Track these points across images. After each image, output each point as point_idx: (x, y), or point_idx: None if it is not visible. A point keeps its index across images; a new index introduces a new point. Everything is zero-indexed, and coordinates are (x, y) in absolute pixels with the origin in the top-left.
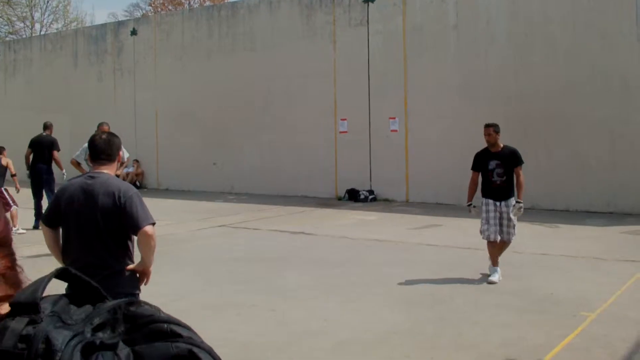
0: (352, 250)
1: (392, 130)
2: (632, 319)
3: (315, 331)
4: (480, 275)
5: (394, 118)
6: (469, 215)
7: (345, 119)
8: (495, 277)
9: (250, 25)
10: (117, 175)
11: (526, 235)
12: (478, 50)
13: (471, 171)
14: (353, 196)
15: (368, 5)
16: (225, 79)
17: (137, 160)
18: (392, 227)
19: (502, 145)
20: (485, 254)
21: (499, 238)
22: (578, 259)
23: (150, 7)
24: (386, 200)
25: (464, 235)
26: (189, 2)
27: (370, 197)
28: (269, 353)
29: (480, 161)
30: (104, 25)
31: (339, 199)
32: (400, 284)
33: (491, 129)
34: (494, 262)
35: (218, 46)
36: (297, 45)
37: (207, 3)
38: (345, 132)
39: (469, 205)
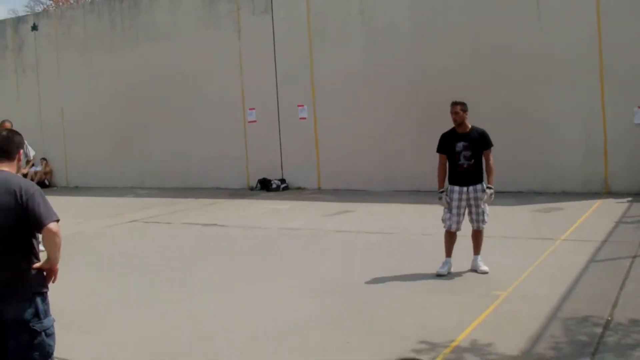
0: (266, 240)
1: (301, 118)
2: (542, 295)
3: (229, 325)
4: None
5: (303, 105)
6: (439, 202)
7: (253, 109)
8: (444, 269)
9: (152, 15)
10: (25, 175)
11: (437, 217)
12: (382, 36)
13: (437, 154)
14: (265, 186)
15: None
16: (130, 72)
17: (44, 159)
18: (304, 215)
19: (470, 126)
20: (395, 237)
21: (460, 228)
22: (489, 239)
23: (51, 2)
24: (298, 188)
25: (375, 221)
26: None
27: (283, 185)
28: (182, 349)
29: (447, 143)
30: (2, 22)
31: (251, 189)
32: (314, 272)
33: (458, 107)
34: (448, 253)
35: (121, 38)
36: (202, 35)
37: None
38: (254, 121)
39: (441, 192)
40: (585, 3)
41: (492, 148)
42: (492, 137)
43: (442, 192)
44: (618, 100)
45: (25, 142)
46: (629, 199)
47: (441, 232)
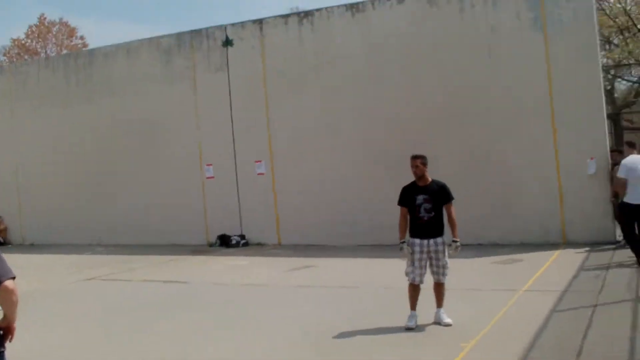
0: (226, 296)
1: (258, 174)
2: (507, 344)
3: None
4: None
5: (260, 161)
6: (400, 254)
7: (210, 165)
8: (412, 323)
9: (108, 71)
10: None
11: (400, 270)
12: (339, 90)
13: (399, 207)
14: (225, 242)
15: (227, 49)
16: (85, 127)
17: None
18: (265, 270)
19: (430, 179)
20: (358, 291)
21: (423, 281)
22: (452, 291)
23: (4, 58)
24: (258, 244)
25: (338, 275)
26: (46, 52)
27: (242, 242)
28: None
29: (407, 195)
30: None
31: (211, 245)
32: (276, 327)
33: (418, 161)
34: (412, 306)
35: (77, 94)
36: (158, 91)
37: (65, 52)
38: (212, 177)
39: (402, 243)
40: (536, 53)
41: (454, 201)
42: (453, 188)
43: (403, 242)
44: (571, 150)
45: None
46: (587, 248)
47: (404, 285)
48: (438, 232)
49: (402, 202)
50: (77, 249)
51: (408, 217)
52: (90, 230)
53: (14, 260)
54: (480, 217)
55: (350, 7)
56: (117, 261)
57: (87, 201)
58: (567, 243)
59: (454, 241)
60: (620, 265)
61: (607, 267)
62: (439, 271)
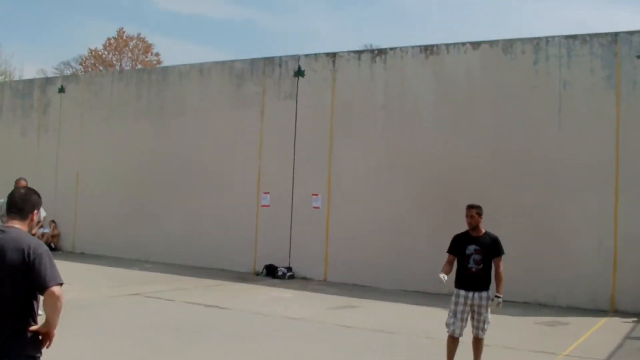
0: (266, 328)
1: (314, 207)
2: None
3: None
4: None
5: (317, 195)
6: (437, 282)
7: (268, 193)
8: None
9: (180, 90)
10: (33, 235)
11: (442, 320)
12: (404, 131)
13: (447, 254)
14: (271, 272)
15: (298, 79)
16: (151, 144)
17: (53, 221)
18: (308, 306)
19: (483, 231)
20: (398, 337)
21: (462, 334)
22: (490, 347)
23: (80, 67)
24: (304, 278)
25: (379, 318)
26: (121, 65)
27: (288, 274)
28: None
29: (458, 244)
30: (31, 81)
31: (257, 274)
32: None
33: (474, 211)
34: (449, 358)
35: (146, 109)
36: (226, 114)
37: (139, 67)
38: (268, 205)
39: (441, 274)
40: (606, 112)
41: (504, 256)
42: (506, 243)
43: (442, 274)
44: (633, 215)
45: None
46: (635, 319)
47: (444, 335)
48: (484, 285)
49: (451, 249)
50: (125, 263)
51: (454, 265)
52: (141, 245)
53: (62, 267)
54: (530, 275)
55: (425, 48)
56: (164, 280)
57: (140, 217)
58: (616, 311)
59: (496, 296)
60: None
61: None
62: (480, 326)
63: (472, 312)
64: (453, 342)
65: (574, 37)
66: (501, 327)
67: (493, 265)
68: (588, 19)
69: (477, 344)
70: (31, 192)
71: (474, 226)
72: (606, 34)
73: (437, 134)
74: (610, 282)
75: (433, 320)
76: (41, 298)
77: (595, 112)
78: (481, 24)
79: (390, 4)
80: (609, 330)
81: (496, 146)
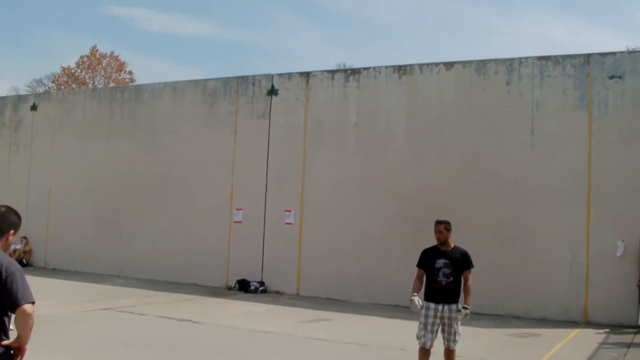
0: (239, 342)
1: (287, 223)
2: None
3: None
4: None
5: (289, 211)
6: (410, 306)
7: (240, 209)
8: None
9: (152, 109)
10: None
11: (414, 332)
12: (377, 149)
13: (416, 268)
14: (243, 287)
15: (271, 98)
16: (123, 161)
17: (25, 237)
18: (280, 319)
19: (452, 245)
20: (370, 350)
21: (433, 345)
22: (463, 358)
23: (53, 84)
24: (277, 292)
25: (352, 331)
26: (94, 83)
27: (261, 288)
28: None
29: (427, 258)
30: (3, 98)
31: (229, 288)
32: None
33: (442, 226)
34: None
35: (119, 128)
36: (198, 132)
37: (112, 85)
38: (240, 222)
39: (413, 295)
40: (578, 131)
41: (473, 270)
42: (477, 258)
43: (414, 295)
44: (604, 231)
45: None
46: (607, 330)
47: (415, 347)
48: (454, 298)
49: (420, 264)
50: (98, 279)
51: (423, 280)
52: (113, 261)
53: (34, 282)
54: (502, 288)
55: (398, 68)
56: (136, 294)
57: (112, 233)
58: (588, 323)
59: (464, 307)
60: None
61: (626, 350)
62: (451, 337)
63: (443, 324)
64: (424, 354)
65: (547, 58)
66: (472, 339)
67: (462, 278)
68: (564, 40)
69: (449, 355)
70: (11, 211)
71: (443, 241)
72: (579, 55)
73: (409, 152)
74: (583, 295)
75: (405, 333)
76: (12, 315)
77: (567, 132)
78: (460, 43)
79: (369, 22)
80: (582, 340)
81: (468, 164)
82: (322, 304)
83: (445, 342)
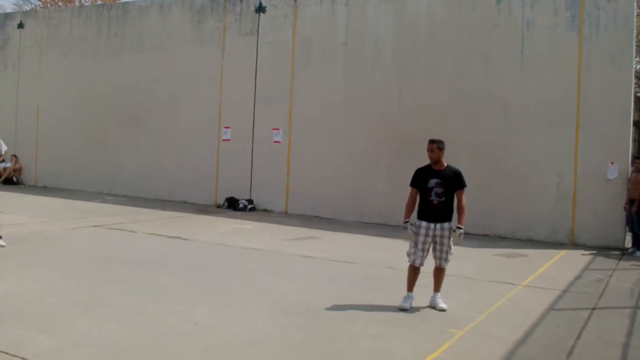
0: (228, 258)
1: (275, 142)
2: (498, 336)
3: (185, 334)
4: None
5: (278, 129)
6: (403, 233)
7: (229, 127)
8: (406, 304)
9: (139, 26)
10: None
11: (402, 251)
12: (364, 67)
13: (410, 187)
14: (232, 204)
15: (259, 15)
16: (110, 79)
17: (15, 155)
18: (269, 237)
19: (445, 164)
20: (358, 267)
21: (423, 264)
22: (451, 277)
23: (39, 2)
24: (265, 210)
25: (340, 249)
26: (80, 1)
27: (250, 206)
28: (136, 354)
29: (420, 178)
30: None
31: (218, 206)
32: (273, 292)
33: (435, 145)
34: (409, 287)
35: (105, 45)
36: (186, 50)
37: (99, 2)
38: (229, 140)
39: (406, 222)
40: (569, 52)
41: (465, 189)
42: (466, 178)
43: (407, 222)
44: (592, 153)
45: None
46: (594, 252)
47: (405, 266)
48: (446, 217)
49: (413, 183)
50: (87, 196)
51: (417, 199)
52: (103, 179)
53: (24, 200)
54: (490, 208)
55: None
56: (126, 212)
57: (101, 150)
58: (575, 244)
59: (458, 227)
60: (625, 271)
61: (612, 272)
62: (442, 256)
63: (434, 242)
64: (414, 272)
65: None
66: (460, 258)
67: (455, 197)
68: None
69: (439, 273)
70: None
71: (435, 160)
72: None
73: (396, 71)
74: (570, 216)
75: (393, 251)
76: None
77: (557, 52)
78: None
79: None
80: (568, 262)
81: (456, 84)
82: (310, 222)
83: (437, 261)
